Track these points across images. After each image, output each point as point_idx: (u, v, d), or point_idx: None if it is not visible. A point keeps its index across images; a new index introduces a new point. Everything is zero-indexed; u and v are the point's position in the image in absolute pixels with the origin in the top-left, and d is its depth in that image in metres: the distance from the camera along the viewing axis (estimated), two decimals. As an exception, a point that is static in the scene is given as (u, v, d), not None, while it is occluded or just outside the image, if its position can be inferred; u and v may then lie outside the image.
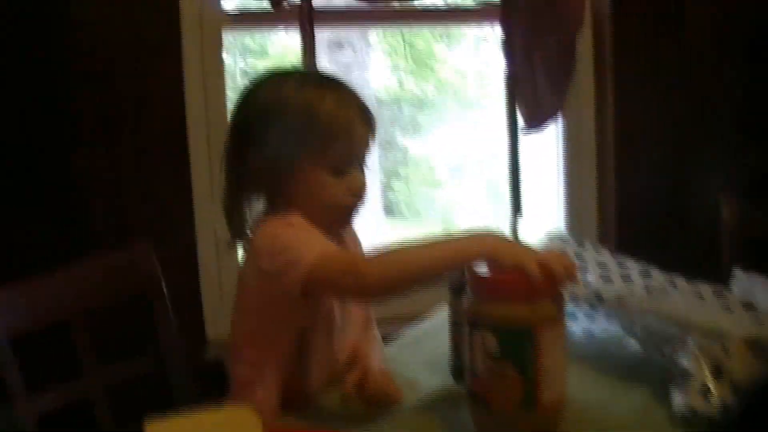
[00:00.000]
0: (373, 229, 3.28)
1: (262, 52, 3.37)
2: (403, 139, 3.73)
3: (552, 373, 0.95)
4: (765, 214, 1.73)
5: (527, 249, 0.99)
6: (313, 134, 1.12)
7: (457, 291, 1.13)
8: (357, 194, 1.16)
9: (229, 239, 1.21)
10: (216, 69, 1.94)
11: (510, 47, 1.93)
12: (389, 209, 3.80)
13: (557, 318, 0.97)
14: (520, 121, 1.97)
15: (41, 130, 1.82)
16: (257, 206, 1.20)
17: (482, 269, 0.98)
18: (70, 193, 1.82)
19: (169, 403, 1.38)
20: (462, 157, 3.20)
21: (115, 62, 1.83)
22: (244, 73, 3.18)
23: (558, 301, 0.98)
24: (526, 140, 2.07)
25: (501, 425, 0.96)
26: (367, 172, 1.18)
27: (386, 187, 3.81)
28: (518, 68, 1.93)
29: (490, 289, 0.95)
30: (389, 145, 3.66)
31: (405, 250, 1.06)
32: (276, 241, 1.09)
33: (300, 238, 1.08)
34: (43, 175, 1.83)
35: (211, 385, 1.26)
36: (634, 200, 2.13)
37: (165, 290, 1.43)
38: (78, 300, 1.35)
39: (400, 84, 3.67)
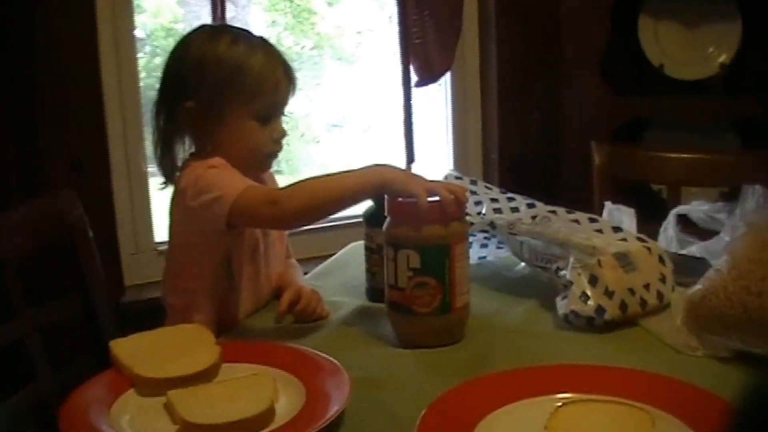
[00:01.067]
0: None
1: (139, 8, 3.36)
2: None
3: (461, 281, 1.11)
4: (628, 157, 1.95)
5: (421, 178, 1.15)
6: (243, 87, 1.24)
7: (371, 221, 1.28)
8: (278, 141, 1.29)
9: (160, 182, 1.33)
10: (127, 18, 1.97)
11: (404, 8, 2.08)
12: (269, 165, 3.88)
13: (464, 235, 1.14)
14: (413, 76, 2.13)
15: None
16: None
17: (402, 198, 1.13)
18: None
19: (98, 342, 1.46)
20: (340, 112, 3.31)
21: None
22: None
23: (464, 221, 1.15)
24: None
25: (421, 328, 1.12)
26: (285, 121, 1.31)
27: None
28: (411, 27, 2.08)
29: (411, 214, 1.09)
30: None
31: (315, 181, 1.20)
32: (199, 181, 1.20)
33: (222, 177, 1.20)
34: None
35: (130, 327, 1.36)
36: (514, 147, 2.33)
37: (91, 234, 1.51)
38: (7, 245, 1.39)
39: (279, 40, 3.71)
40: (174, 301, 1.29)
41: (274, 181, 1.42)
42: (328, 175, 1.20)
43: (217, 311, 1.27)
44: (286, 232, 1.43)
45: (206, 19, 3.25)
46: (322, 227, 2.09)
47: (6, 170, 1.80)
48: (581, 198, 1.86)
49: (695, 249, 1.50)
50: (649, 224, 1.62)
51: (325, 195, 1.16)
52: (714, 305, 1.08)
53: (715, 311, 1.08)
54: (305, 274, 1.50)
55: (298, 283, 1.31)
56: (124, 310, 1.87)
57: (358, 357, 1.10)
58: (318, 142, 3.84)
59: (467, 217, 1.37)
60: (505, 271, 1.47)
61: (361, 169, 1.17)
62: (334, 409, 0.89)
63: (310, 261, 1.65)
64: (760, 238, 1.13)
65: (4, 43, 1.77)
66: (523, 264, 1.43)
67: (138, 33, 3.00)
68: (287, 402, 0.94)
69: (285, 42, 3.46)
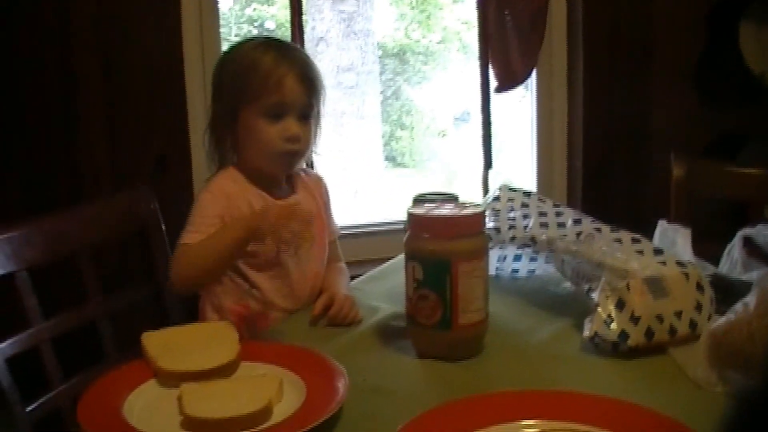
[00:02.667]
0: (376, 177, 3.44)
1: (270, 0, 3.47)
2: (408, 89, 3.80)
3: (467, 300, 1.11)
4: (706, 171, 1.87)
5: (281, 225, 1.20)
6: (251, 85, 1.31)
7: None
8: (290, 139, 1.33)
9: None
10: (212, 12, 2.04)
11: (484, 8, 2.07)
12: (393, 158, 3.88)
13: (474, 254, 1.12)
14: (493, 81, 2.12)
15: (41, 78, 1.93)
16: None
17: (418, 209, 1.15)
18: (72, 138, 1.95)
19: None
20: (465, 106, 3.29)
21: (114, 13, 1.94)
22: (250, 19, 3.33)
23: (475, 239, 1.13)
24: (514, 95, 2.22)
25: (425, 340, 1.14)
26: (311, 125, 1.36)
27: (391, 137, 3.91)
28: (491, 30, 2.07)
29: (420, 227, 1.12)
30: (394, 96, 3.75)
31: (196, 249, 1.27)
32: (196, 203, 1.33)
33: (197, 212, 1.31)
34: (46, 121, 1.96)
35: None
36: (599, 156, 2.28)
37: (163, 227, 1.62)
38: (86, 236, 1.47)
39: (407, 34, 3.70)
40: (203, 301, 1.41)
41: (322, 187, 1.48)
42: (208, 240, 1.27)
43: (246, 305, 1.37)
44: (335, 235, 1.49)
45: (327, 12, 3.34)
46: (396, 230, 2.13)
47: (98, 164, 1.94)
48: (666, 210, 1.81)
49: (755, 275, 1.44)
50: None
51: (207, 260, 1.26)
52: (736, 340, 1.04)
53: (737, 347, 1.04)
54: (357, 277, 1.55)
55: (333, 288, 1.37)
56: (196, 298, 1.98)
57: (372, 363, 1.15)
58: (444, 135, 3.84)
59: (511, 231, 1.39)
60: (553, 287, 1.46)
61: (233, 226, 1.26)
62: (323, 414, 0.94)
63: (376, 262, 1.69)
64: (793, 274, 1.08)
65: (99, 48, 1.90)
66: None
67: (268, 24, 3.17)
68: (289, 403, 0.99)
69: (413, 35, 3.49)
